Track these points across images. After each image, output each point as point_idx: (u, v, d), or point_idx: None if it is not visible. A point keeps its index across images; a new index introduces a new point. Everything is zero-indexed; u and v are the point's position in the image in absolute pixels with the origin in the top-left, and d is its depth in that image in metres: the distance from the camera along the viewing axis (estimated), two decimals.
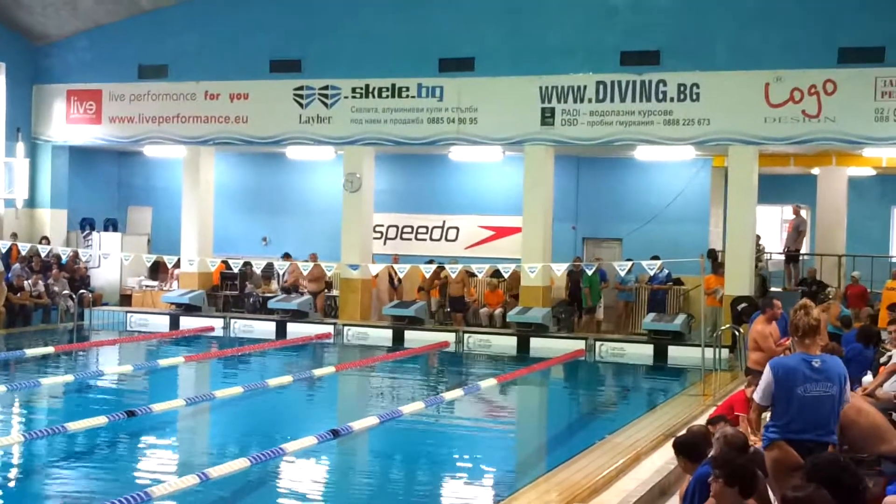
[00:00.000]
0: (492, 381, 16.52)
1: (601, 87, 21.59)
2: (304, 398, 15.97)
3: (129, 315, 24.23)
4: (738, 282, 20.41)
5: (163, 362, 17.60)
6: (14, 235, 24.48)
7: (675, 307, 22.66)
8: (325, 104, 23.63)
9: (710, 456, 6.74)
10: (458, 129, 22.64)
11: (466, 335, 21.73)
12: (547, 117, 21.96)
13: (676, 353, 20.00)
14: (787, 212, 26.26)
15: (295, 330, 22.42)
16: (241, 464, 10.17)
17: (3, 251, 22.71)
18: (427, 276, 22.87)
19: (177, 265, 24.69)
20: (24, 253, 23.80)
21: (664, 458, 10.10)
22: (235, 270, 23.50)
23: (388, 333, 22.15)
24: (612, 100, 21.53)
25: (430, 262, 22.51)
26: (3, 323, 21.51)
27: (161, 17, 24.93)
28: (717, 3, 21.27)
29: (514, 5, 22.47)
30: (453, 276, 22.29)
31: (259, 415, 14.13)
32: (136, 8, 25.00)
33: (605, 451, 10.79)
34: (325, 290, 24.12)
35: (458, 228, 25.70)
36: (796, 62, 20.30)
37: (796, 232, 23.68)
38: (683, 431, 7.91)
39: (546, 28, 22.05)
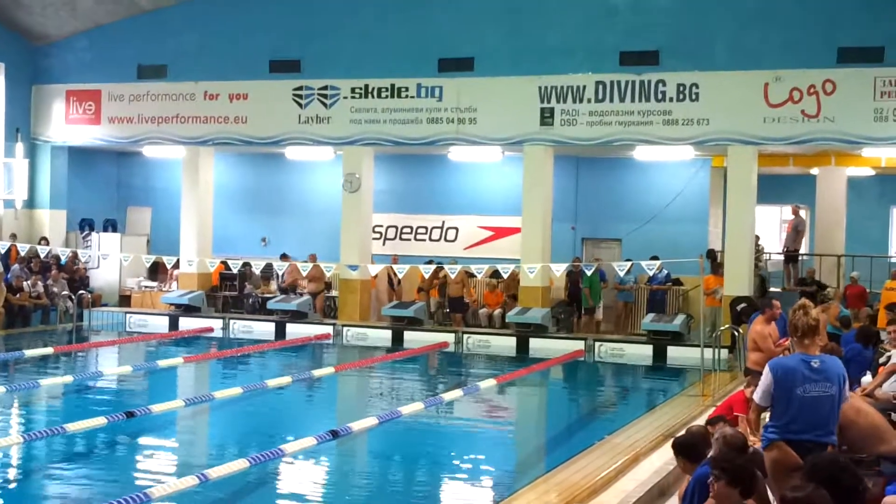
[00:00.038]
0: (491, 382, 16.52)
1: (600, 87, 21.60)
2: (303, 399, 15.97)
3: (128, 316, 24.23)
4: (738, 282, 20.41)
5: (162, 363, 17.58)
6: (13, 236, 24.46)
7: (675, 307, 22.67)
8: (325, 104, 23.63)
9: (709, 456, 6.75)
10: (457, 129, 22.64)
11: (466, 336, 21.72)
12: (546, 117, 21.96)
13: (676, 354, 20.01)
14: (787, 212, 26.26)
15: (294, 330, 22.41)
16: (240, 464, 10.17)
17: (3, 252, 22.68)
18: (426, 276, 22.87)
19: (176, 266, 24.68)
20: (23, 254, 23.80)
21: (663, 459, 10.10)
22: (235, 271, 23.48)
23: (388, 334, 22.14)
24: (611, 100, 21.53)
25: (430, 262, 22.50)
26: (3, 324, 21.48)
27: (160, 17, 24.93)
28: (716, 3, 21.27)
29: (513, 5, 22.47)
30: (452, 276, 22.29)
31: (258, 415, 14.12)
32: (135, 8, 25.00)
33: (604, 451, 10.79)
34: (325, 291, 24.12)
35: (457, 229, 25.70)
36: (795, 62, 20.30)
37: (795, 232, 23.69)
38: (682, 432, 7.91)
39: (545, 28, 22.05)
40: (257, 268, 22.57)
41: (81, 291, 23.07)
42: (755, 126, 20.54)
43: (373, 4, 23.42)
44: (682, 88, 21.06)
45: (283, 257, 23.80)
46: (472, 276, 22.30)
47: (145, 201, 28.53)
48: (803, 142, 20.54)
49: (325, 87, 23.60)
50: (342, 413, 14.81)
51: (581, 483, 9.32)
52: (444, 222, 25.87)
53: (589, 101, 21.65)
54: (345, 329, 22.49)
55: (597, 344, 20.83)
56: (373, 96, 23.24)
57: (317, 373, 17.60)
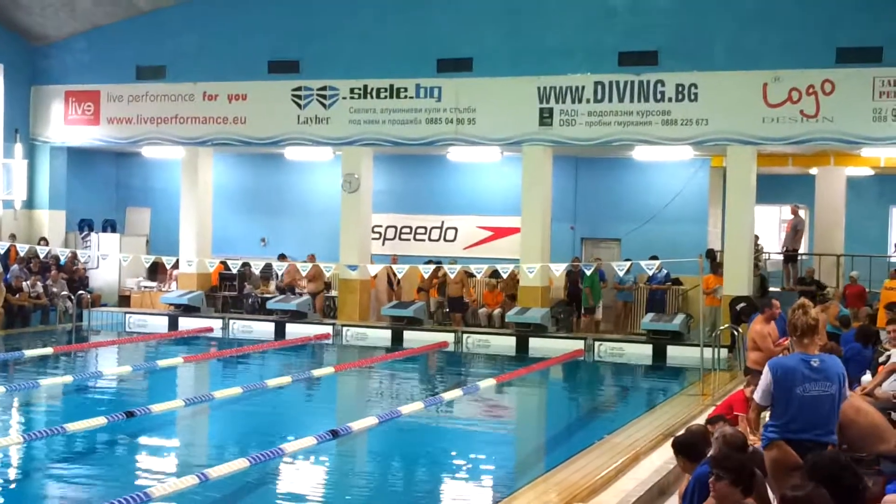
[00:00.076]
0: (491, 382, 16.52)
1: (599, 87, 21.60)
2: (303, 399, 15.97)
3: (127, 316, 24.24)
4: (737, 282, 20.41)
5: (162, 363, 17.58)
6: (12, 236, 24.46)
7: (674, 307, 22.68)
8: (324, 105, 23.64)
9: (709, 455, 6.75)
10: (456, 129, 22.65)
11: (465, 335, 21.73)
12: (545, 117, 21.96)
13: (675, 353, 20.02)
14: (786, 212, 26.25)
15: (294, 330, 22.41)
16: (240, 464, 10.17)
17: (2, 252, 22.68)
18: (426, 276, 22.87)
19: (175, 266, 24.69)
20: (22, 254, 23.80)
21: (663, 458, 10.10)
22: (234, 271, 23.49)
23: (387, 334, 22.15)
24: (610, 100, 21.54)
25: (429, 262, 22.50)
26: (2, 324, 21.48)
27: (159, 18, 24.93)
28: (715, 4, 21.28)
29: (512, 6, 22.48)
30: (452, 276, 22.30)
31: (258, 415, 14.11)
32: (134, 9, 25.00)
33: (603, 451, 10.79)
34: (324, 291, 24.12)
35: (456, 229, 25.71)
36: (794, 62, 20.31)
37: (794, 231, 23.69)
38: (682, 431, 7.91)
39: (544, 28, 22.06)
40: (257, 268, 22.57)
41: (81, 292, 23.06)
42: (754, 126, 20.55)
43: (372, 5, 23.43)
44: (681, 89, 21.07)
45: (282, 258, 23.80)
46: (471, 275, 22.30)
47: (144, 202, 28.53)
48: (802, 142, 20.55)
49: (324, 88, 23.60)
50: (342, 413, 14.82)
51: (581, 482, 9.33)
52: (443, 222, 25.87)
53: (588, 101, 21.66)
54: (344, 329, 22.50)
55: (596, 343, 20.84)
56: (372, 97, 23.24)
57: (316, 373, 17.60)
